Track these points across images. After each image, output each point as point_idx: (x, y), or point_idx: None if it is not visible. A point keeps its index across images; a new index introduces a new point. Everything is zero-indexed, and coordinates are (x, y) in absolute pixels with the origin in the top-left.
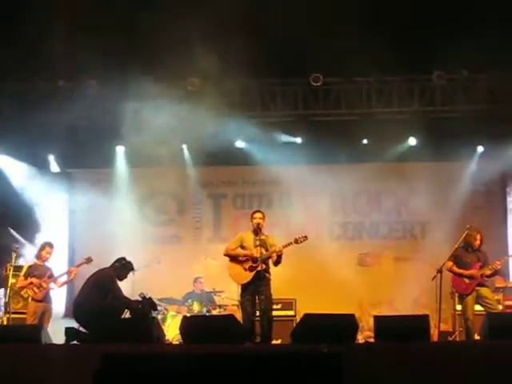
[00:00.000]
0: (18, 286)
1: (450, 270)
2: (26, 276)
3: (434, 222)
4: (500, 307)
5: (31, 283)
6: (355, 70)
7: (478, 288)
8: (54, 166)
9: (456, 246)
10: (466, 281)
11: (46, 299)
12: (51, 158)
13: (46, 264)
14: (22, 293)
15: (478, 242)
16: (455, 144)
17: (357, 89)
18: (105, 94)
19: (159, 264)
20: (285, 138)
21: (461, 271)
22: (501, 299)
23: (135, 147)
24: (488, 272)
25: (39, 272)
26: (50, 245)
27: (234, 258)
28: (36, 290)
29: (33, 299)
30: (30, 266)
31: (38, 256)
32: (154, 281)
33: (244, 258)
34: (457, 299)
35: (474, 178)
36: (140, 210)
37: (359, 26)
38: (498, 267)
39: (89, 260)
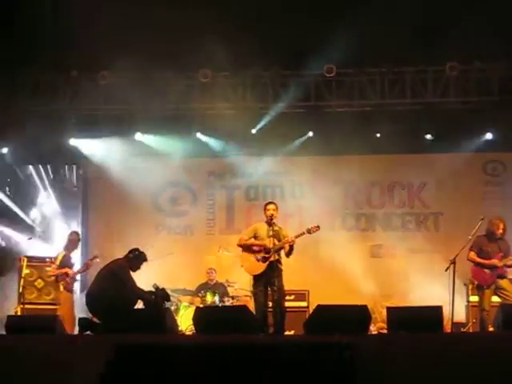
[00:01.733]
0: (51, 273)
1: (472, 260)
2: (62, 265)
3: (448, 214)
4: None
5: (66, 273)
6: (368, 61)
7: (497, 280)
8: (67, 157)
9: (471, 235)
10: (487, 271)
11: (72, 289)
12: (64, 149)
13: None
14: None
15: (500, 230)
16: (468, 135)
17: (370, 80)
18: (118, 84)
19: (172, 255)
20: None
21: (482, 261)
22: None
23: (148, 138)
24: (510, 262)
25: (70, 263)
26: (78, 233)
27: (246, 249)
28: (69, 281)
29: (66, 289)
30: (64, 256)
31: (70, 246)
32: (167, 272)
33: (257, 249)
34: (472, 290)
35: (487, 169)
36: (153, 201)
37: (372, 17)
38: None
39: (95, 257)
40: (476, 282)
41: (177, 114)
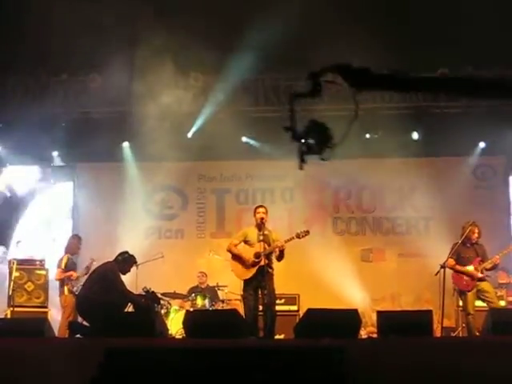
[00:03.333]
0: (56, 277)
1: (452, 268)
2: (67, 269)
3: (438, 218)
4: (502, 303)
5: (71, 276)
6: (359, 65)
7: (478, 283)
8: (58, 160)
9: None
10: (466, 278)
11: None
12: (55, 153)
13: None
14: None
15: (475, 235)
16: (459, 139)
17: None
18: (108, 87)
19: (163, 258)
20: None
21: (462, 269)
22: (504, 295)
23: (140, 142)
24: (488, 266)
25: (74, 266)
26: (78, 237)
27: (235, 257)
28: (74, 284)
29: (71, 292)
30: (68, 259)
31: (73, 250)
32: (157, 275)
33: (247, 256)
34: (457, 294)
35: (477, 174)
36: (144, 204)
37: (361, 23)
38: (498, 261)
39: (92, 262)
40: (457, 288)
41: (170, 117)
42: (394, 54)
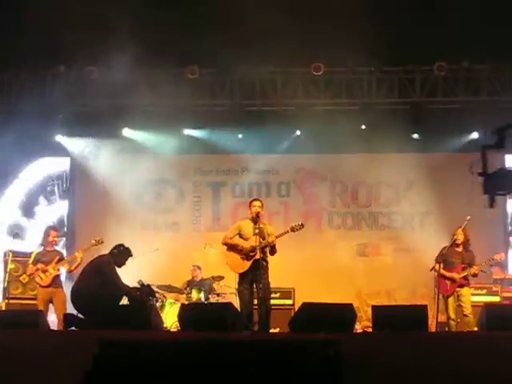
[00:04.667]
0: (28, 273)
1: (436, 271)
2: (34, 263)
3: (434, 214)
4: (496, 298)
5: (38, 269)
6: (356, 60)
7: (458, 289)
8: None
9: (456, 233)
10: (448, 282)
11: (53, 284)
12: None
13: (56, 248)
14: (36, 279)
15: (460, 238)
16: (456, 135)
17: (358, 79)
18: (106, 79)
19: (158, 251)
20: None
21: (443, 273)
22: (499, 290)
23: (136, 134)
24: (473, 271)
25: (47, 258)
26: (54, 228)
27: (231, 247)
28: (42, 276)
29: (39, 285)
30: (37, 253)
31: (45, 242)
32: (152, 268)
33: (241, 248)
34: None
35: (474, 170)
36: (139, 197)
37: (360, 16)
38: (477, 272)
39: (99, 242)
40: (439, 291)
41: (165, 110)
42: (393, 46)
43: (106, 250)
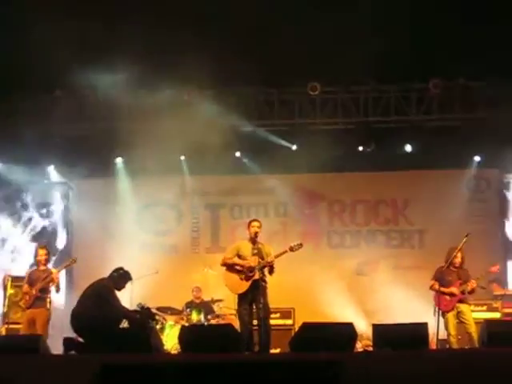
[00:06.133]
0: (23, 291)
1: (433, 289)
2: (28, 282)
3: (432, 231)
4: (497, 315)
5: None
6: (352, 79)
7: (458, 305)
8: (54, 176)
9: (457, 251)
10: (447, 298)
11: (34, 305)
12: (51, 168)
13: (49, 267)
14: (20, 302)
15: (458, 259)
16: (453, 152)
17: (354, 98)
18: (103, 103)
19: (157, 274)
20: (283, 143)
21: (442, 289)
22: (499, 307)
23: (134, 158)
24: (469, 288)
25: (33, 278)
26: (42, 247)
27: (230, 268)
28: (27, 298)
29: (22, 308)
30: (29, 274)
31: (35, 261)
32: (152, 291)
33: (240, 268)
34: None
35: (472, 187)
36: (138, 219)
37: (357, 35)
38: (474, 285)
39: (72, 262)
40: (438, 309)
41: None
42: (388, 64)
43: (105, 273)
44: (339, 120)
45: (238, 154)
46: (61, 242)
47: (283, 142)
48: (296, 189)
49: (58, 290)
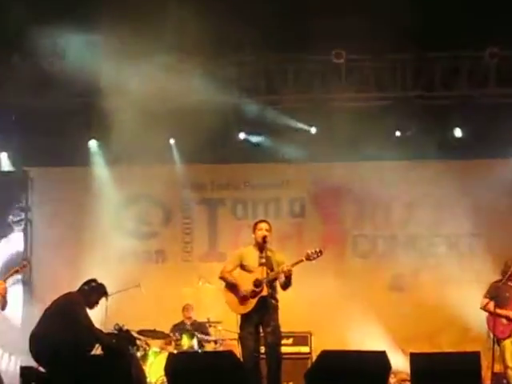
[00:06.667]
0: None
1: (486, 309)
2: None
3: (486, 235)
4: None
5: None
6: (388, 44)
7: None
8: (6, 164)
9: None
10: (504, 322)
11: None
12: (3, 155)
13: None
14: None
15: None
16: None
17: (389, 68)
18: (72, 73)
19: (139, 288)
20: (299, 124)
21: (498, 311)
22: None
23: (111, 142)
24: None
25: None
26: None
27: (230, 286)
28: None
29: None
30: None
31: None
32: (132, 309)
33: (242, 283)
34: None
35: None
36: (116, 219)
37: None
38: None
39: (23, 268)
40: (492, 334)
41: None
42: (433, 28)
43: (73, 286)
44: (371, 95)
45: (241, 136)
46: (14, 246)
47: (299, 123)
48: (315, 181)
49: (3, 306)
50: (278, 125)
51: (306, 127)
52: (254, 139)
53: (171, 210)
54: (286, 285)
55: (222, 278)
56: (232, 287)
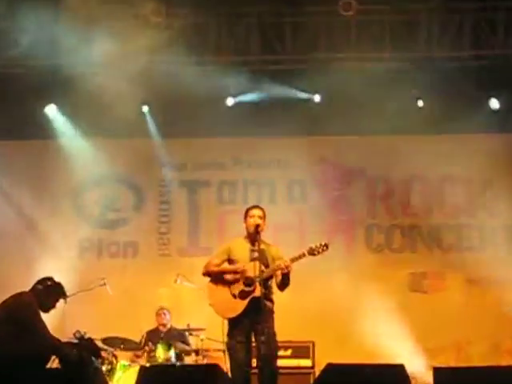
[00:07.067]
0: None
1: None
2: None
3: None
4: None
5: None
6: None
7: None
8: None
9: None
10: None
11: None
12: None
13: None
14: None
15: None
16: None
17: (409, 22)
18: (21, 24)
19: (105, 287)
20: (300, 91)
21: None
22: None
23: (71, 110)
24: None
25: None
26: None
27: (217, 279)
28: None
29: None
30: None
31: None
32: (96, 313)
33: (233, 278)
34: None
35: None
36: (76, 203)
37: None
38: None
39: None
40: None
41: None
42: None
43: (24, 285)
44: (386, 55)
45: (229, 102)
46: None
47: (300, 89)
48: (319, 159)
49: None
50: (275, 91)
51: (307, 94)
52: (249, 97)
53: (144, 194)
54: (284, 284)
55: (206, 273)
56: (219, 279)
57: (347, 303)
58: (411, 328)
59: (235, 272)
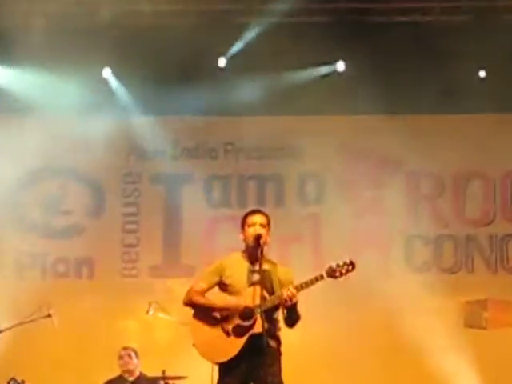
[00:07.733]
0: None
1: None
2: None
3: None
4: None
5: None
6: None
7: None
8: None
9: None
10: None
11: None
12: None
13: None
14: None
15: None
16: None
17: None
18: None
19: (50, 319)
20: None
21: None
22: None
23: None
24: None
25: None
26: None
27: (203, 310)
28: None
29: None
30: None
31: None
32: (39, 354)
33: (225, 313)
34: None
35: None
36: (13, 204)
37: None
38: None
39: None
40: None
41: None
42: None
43: None
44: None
45: (221, 63)
46: None
47: (318, 54)
48: (343, 147)
49: None
50: (283, 54)
51: (327, 61)
52: (239, 77)
53: (105, 192)
54: (291, 318)
55: (188, 303)
56: (206, 317)
57: (381, 342)
58: (467, 370)
59: (227, 309)
